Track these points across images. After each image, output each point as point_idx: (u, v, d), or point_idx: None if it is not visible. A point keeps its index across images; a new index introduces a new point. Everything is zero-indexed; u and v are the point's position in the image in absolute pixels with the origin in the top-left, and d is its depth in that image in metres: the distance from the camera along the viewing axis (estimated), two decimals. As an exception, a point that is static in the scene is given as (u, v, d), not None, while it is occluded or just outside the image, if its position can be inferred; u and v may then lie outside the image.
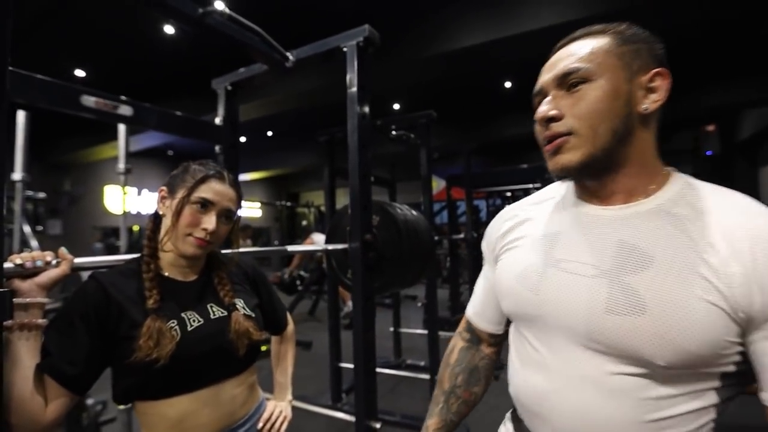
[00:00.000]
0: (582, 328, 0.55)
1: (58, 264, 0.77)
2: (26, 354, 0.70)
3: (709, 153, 9.11)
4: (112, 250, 8.80)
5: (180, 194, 0.86)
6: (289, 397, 1.11)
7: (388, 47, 5.11)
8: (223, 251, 1.02)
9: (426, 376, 3.12)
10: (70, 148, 8.85)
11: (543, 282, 0.60)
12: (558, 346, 0.58)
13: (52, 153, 8.96)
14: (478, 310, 0.80)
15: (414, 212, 2.41)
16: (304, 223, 13.93)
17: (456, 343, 0.83)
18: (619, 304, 0.52)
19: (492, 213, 6.70)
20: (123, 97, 1.50)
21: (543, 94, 0.61)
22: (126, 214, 2.20)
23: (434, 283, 3.52)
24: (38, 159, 8.36)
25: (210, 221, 0.85)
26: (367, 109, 1.73)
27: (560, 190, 0.70)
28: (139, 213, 10.37)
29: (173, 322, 0.81)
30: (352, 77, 1.70)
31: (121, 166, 2.11)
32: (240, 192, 0.94)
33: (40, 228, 3.95)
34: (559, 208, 0.66)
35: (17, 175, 2.03)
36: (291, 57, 1.77)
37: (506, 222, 0.73)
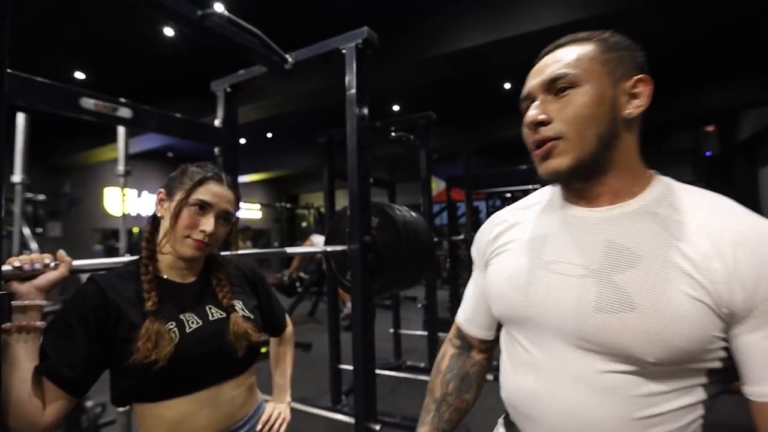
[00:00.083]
0: (572, 328, 0.56)
1: (56, 266, 0.77)
2: (24, 357, 0.70)
3: (708, 153, 9.11)
4: (112, 252, 8.80)
5: (178, 196, 0.86)
6: (288, 398, 1.11)
7: (388, 48, 5.11)
8: (222, 253, 1.02)
9: (426, 378, 3.09)
10: (70, 150, 8.86)
11: (533, 283, 0.61)
12: (549, 347, 0.59)
13: (52, 155, 8.98)
14: (468, 316, 0.80)
15: (413, 213, 2.41)
16: (304, 224, 13.93)
17: (446, 350, 0.83)
18: (609, 302, 0.53)
19: (492, 214, 6.68)
20: (122, 100, 1.50)
21: (531, 98, 0.62)
22: (125, 216, 2.20)
23: (434, 285, 3.52)
24: (38, 161, 8.37)
25: (208, 223, 0.85)
26: (366, 111, 1.74)
27: (547, 194, 0.71)
28: (139, 215, 10.38)
29: (172, 324, 0.81)
30: (350, 79, 1.71)
31: (121, 168, 2.11)
32: (238, 194, 0.94)
33: (39, 230, 3.94)
34: (546, 212, 0.68)
35: (17, 177, 2.03)
36: (290, 59, 1.77)
37: (496, 227, 0.74)
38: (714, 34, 5.38)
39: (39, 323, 0.72)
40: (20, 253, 2.13)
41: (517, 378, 0.63)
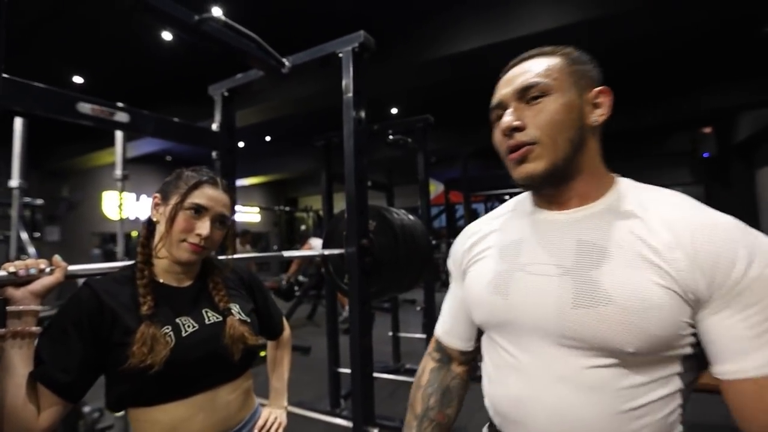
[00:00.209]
0: (553, 326, 0.58)
1: (52, 272, 0.77)
2: (19, 362, 0.70)
3: (706, 155, 9.14)
4: (110, 256, 8.78)
5: (173, 200, 0.86)
6: (285, 403, 1.11)
7: (386, 51, 5.14)
8: (220, 257, 1.02)
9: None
10: (67, 154, 8.84)
11: (511, 286, 0.64)
12: (532, 347, 0.60)
13: (50, 159, 8.96)
14: (447, 328, 0.81)
15: (411, 217, 2.42)
16: (303, 227, 13.92)
17: (426, 364, 0.83)
18: (586, 297, 0.56)
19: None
20: (119, 104, 1.50)
21: (502, 107, 0.65)
22: (124, 220, 2.20)
23: (432, 287, 3.52)
24: (36, 166, 8.36)
25: (204, 227, 0.86)
26: (363, 114, 1.74)
27: (515, 203, 0.75)
28: (137, 218, 10.35)
29: (167, 328, 0.81)
30: (347, 83, 1.71)
31: (119, 172, 2.12)
32: (234, 197, 0.95)
33: (37, 235, 3.93)
34: (518, 218, 0.71)
35: (14, 181, 2.03)
36: (287, 63, 1.78)
37: (470, 238, 0.77)
38: (710, 36, 5.41)
39: (34, 328, 0.72)
40: (18, 258, 2.13)
41: (503, 383, 0.64)
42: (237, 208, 0.95)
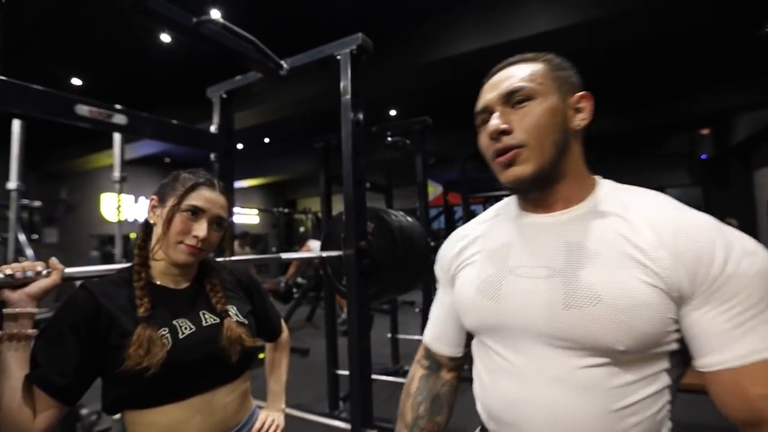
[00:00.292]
0: (545, 327, 0.58)
1: (48, 274, 0.77)
2: (15, 365, 0.70)
3: (704, 156, 9.16)
4: (109, 258, 8.76)
5: (170, 202, 0.86)
6: (282, 405, 1.11)
7: (385, 53, 5.14)
8: (218, 259, 1.02)
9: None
10: (66, 156, 8.84)
11: (502, 289, 0.64)
12: (524, 350, 0.61)
13: (48, 162, 8.94)
14: (435, 334, 0.80)
15: (409, 218, 2.42)
16: (302, 229, 13.92)
17: (415, 372, 0.82)
18: (577, 297, 0.56)
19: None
20: (117, 106, 1.50)
21: (488, 111, 0.66)
22: (122, 222, 2.20)
23: (431, 289, 3.52)
24: (34, 168, 8.34)
25: (201, 228, 0.86)
26: (361, 116, 1.74)
27: (501, 208, 0.76)
28: (136, 220, 10.34)
29: (164, 330, 0.81)
30: (345, 85, 1.71)
31: (117, 174, 2.12)
32: (231, 199, 0.95)
33: (35, 237, 3.93)
34: (505, 222, 0.72)
35: (12, 183, 2.03)
36: (285, 65, 1.78)
37: (458, 243, 0.77)
38: (708, 38, 5.43)
39: (30, 331, 0.72)
40: (16, 260, 2.13)
41: (496, 387, 0.64)
42: (236, 209, 0.94)
